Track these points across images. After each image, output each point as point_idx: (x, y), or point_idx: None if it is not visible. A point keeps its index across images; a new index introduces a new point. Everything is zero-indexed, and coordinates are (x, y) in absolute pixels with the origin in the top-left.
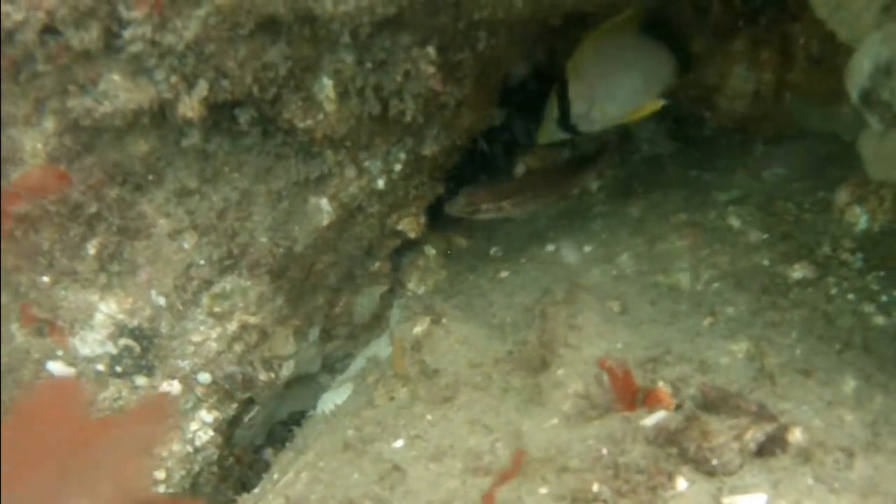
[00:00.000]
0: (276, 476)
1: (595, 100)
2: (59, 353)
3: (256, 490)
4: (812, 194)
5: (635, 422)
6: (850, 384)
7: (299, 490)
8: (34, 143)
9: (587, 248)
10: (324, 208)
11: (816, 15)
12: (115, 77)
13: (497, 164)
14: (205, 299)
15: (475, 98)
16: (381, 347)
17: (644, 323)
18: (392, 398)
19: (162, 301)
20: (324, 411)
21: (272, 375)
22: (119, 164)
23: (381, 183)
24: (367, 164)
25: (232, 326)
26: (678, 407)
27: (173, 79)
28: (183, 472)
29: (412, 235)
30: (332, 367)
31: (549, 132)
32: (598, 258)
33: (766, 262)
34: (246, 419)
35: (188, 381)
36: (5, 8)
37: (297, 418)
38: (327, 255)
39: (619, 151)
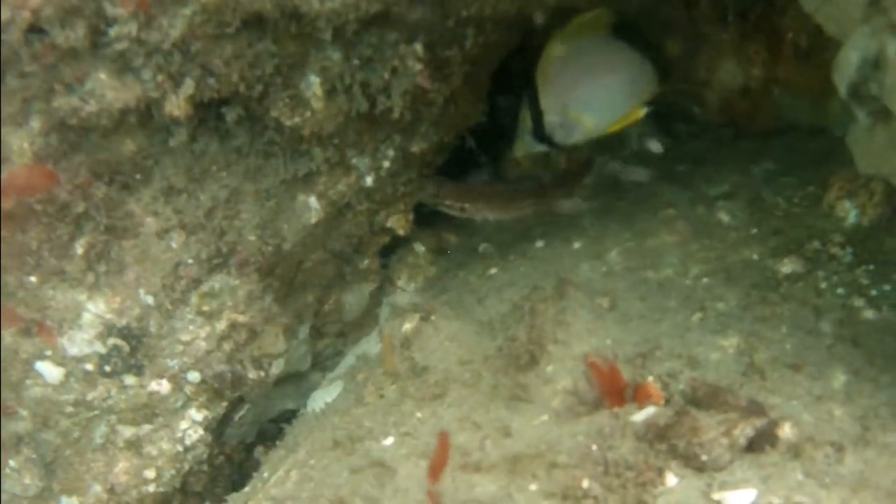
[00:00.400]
0: (266, 474)
1: (570, 108)
2: (48, 353)
3: (247, 489)
4: (801, 189)
5: (624, 418)
6: (839, 379)
7: (289, 488)
8: (21, 143)
9: (576, 245)
10: (312, 206)
11: (804, 9)
12: (102, 76)
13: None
14: (193, 298)
15: (464, 95)
16: (370, 345)
17: (633, 319)
18: (382, 396)
19: (150, 300)
20: (314, 409)
21: (262, 374)
22: (106, 163)
23: (369, 180)
24: (355, 161)
25: (221, 325)
26: (667, 402)
27: (160, 77)
28: (173, 471)
29: (401, 232)
30: (322, 364)
31: (525, 145)
32: (588, 254)
33: (755, 257)
34: (236, 418)
35: (177, 381)
36: None
37: (288, 416)
38: (316, 252)
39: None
